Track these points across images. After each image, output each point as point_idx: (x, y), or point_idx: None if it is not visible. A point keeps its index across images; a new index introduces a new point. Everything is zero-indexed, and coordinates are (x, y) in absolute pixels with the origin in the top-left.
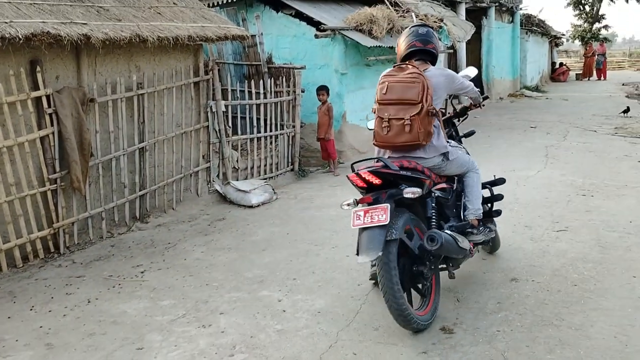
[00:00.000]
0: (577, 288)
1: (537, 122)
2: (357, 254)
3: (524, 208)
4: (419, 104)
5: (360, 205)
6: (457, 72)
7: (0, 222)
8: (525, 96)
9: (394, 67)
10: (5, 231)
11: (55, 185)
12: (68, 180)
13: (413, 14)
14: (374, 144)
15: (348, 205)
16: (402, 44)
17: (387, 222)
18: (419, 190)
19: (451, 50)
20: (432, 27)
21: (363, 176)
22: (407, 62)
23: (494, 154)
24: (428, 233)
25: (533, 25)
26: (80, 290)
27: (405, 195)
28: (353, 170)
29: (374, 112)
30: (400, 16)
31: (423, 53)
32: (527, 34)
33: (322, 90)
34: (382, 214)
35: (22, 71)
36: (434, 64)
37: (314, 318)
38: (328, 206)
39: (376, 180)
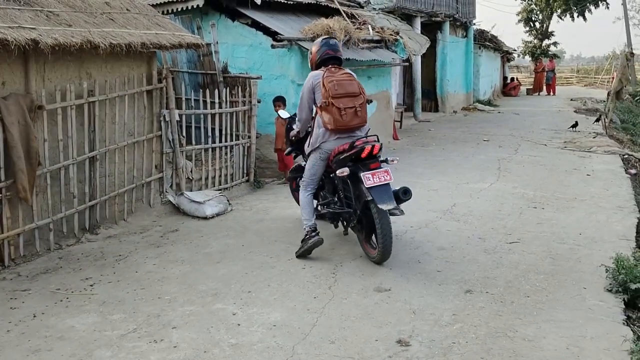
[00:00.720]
0: (529, 299)
1: (489, 136)
2: (376, 204)
3: (478, 220)
4: (360, 95)
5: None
6: (412, 85)
7: None
8: (478, 110)
9: (325, 70)
10: None
11: (0, 195)
12: (14, 189)
13: (369, 26)
14: (330, 128)
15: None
16: (316, 52)
17: (392, 180)
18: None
19: (407, 64)
20: (387, 40)
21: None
22: (331, 66)
23: (448, 166)
24: (403, 187)
25: (486, 41)
26: (26, 305)
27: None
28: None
29: (323, 107)
30: (357, 28)
31: (334, 59)
32: (480, 48)
33: (279, 101)
34: (386, 175)
35: None
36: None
37: (269, 332)
38: (284, 218)
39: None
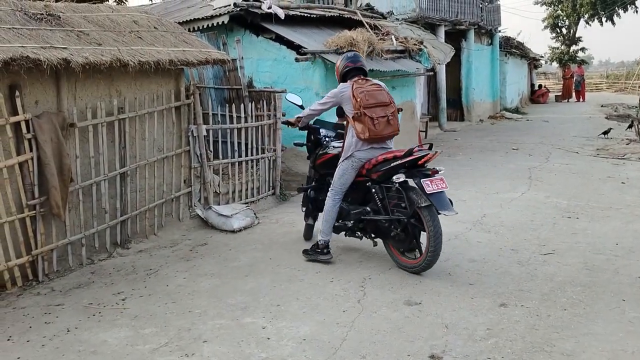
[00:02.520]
0: (566, 312)
1: (518, 144)
2: (438, 210)
3: (509, 231)
4: (391, 104)
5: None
6: (437, 94)
7: None
8: (506, 118)
9: (353, 82)
10: None
11: (34, 211)
12: (47, 206)
13: (393, 36)
14: (363, 138)
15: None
16: (338, 67)
17: (447, 188)
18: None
19: (431, 73)
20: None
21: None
22: (358, 78)
23: (476, 176)
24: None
25: (512, 48)
26: (60, 319)
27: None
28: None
29: (355, 117)
30: (380, 39)
31: (357, 70)
32: (506, 56)
33: None
34: (442, 182)
35: (1, 96)
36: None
37: (299, 346)
38: None
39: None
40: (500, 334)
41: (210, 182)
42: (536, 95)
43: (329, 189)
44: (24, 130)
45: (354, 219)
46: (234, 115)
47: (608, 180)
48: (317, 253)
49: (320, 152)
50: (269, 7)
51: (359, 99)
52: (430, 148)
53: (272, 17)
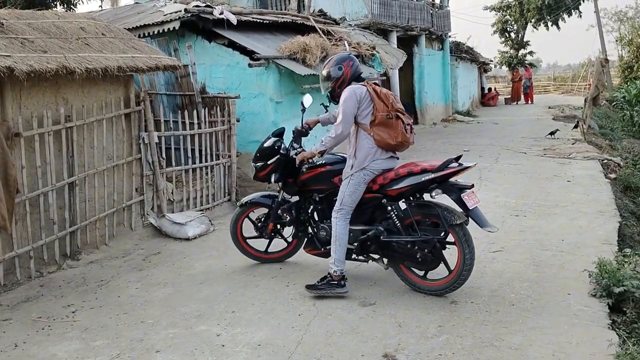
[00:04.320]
0: (514, 308)
1: (469, 146)
2: (481, 226)
3: None
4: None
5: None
6: None
7: None
8: (458, 121)
9: (367, 85)
10: None
11: None
12: None
13: (346, 42)
14: (392, 144)
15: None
16: (349, 67)
17: (480, 202)
18: None
19: (384, 78)
20: (364, 55)
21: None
22: (366, 82)
23: None
24: None
25: (462, 52)
26: (7, 334)
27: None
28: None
29: (381, 122)
30: (333, 44)
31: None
32: (457, 60)
33: None
34: (476, 197)
35: None
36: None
37: (254, 351)
38: None
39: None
40: (451, 330)
41: (163, 189)
42: (486, 98)
43: (336, 209)
44: None
45: (362, 240)
46: (187, 121)
47: (554, 179)
48: (333, 286)
49: (306, 165)
50: (221, 13)
51: (389, 101)
52: (457, 159)
53: (224, 23)
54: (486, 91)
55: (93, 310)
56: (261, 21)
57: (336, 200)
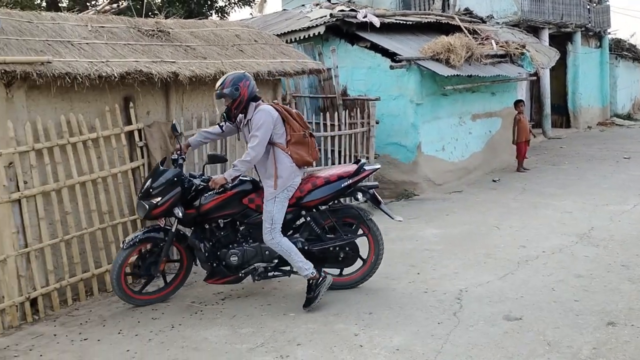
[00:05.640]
0: None
1: (630, 153)
2: (391, 217)
3: (620, 245)
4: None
5: None
6: (541, 100)
7: (93, 249)
8: (617, 125)
9: (274, 105)
10: (97, 257)
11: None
12: None
13: (493, 41)
14: (309, 161)
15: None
16: (245, 88)
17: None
18: None
19: (534, 77)
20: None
21: None
22: (274, 102)
23: (583, 186)
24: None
25: (623, 50)
26: (165, 316)
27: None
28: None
29: (297, 141)
30: (479, 44)
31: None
32: (617, 59)
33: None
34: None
35: (117, 107)
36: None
37: (393, 355)
38: (402, 239)
39: None
40: (607, 354)
41: None
42: None
43: (268, 230)
44: (137, 138)
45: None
46: (328, 123)
47: None
48: (319, 285)
49: (209, 193)
50: (365, 16)
51: (302, 121)
52: (357, 162)
53: (367, 26)
54: None
55: (240, 300)
56: (404, 22)
57: (244, 223)
